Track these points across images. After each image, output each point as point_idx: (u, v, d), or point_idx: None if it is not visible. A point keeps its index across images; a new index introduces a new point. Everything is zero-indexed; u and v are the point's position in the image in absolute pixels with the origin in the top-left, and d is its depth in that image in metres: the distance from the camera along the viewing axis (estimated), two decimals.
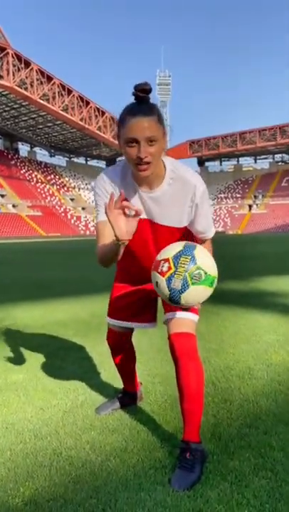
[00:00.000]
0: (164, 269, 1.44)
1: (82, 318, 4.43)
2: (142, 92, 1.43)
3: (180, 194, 1.60)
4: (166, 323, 1.77)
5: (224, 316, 4.34)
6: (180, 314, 1.72)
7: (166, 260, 1.45)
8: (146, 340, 3.41)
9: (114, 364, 2.17)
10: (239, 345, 3.28)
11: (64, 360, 3.00)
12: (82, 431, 1.94)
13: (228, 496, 1.45)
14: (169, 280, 1.43)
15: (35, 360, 3.00)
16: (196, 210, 1.63)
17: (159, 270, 1.45)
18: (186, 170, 1.62)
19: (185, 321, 1.72)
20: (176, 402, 2.21)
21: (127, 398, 2.21)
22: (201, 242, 1.79)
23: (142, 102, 1.45)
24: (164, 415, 2.08)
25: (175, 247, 1.48)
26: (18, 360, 3.02)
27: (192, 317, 1.74)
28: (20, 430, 1.96)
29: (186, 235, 1.74)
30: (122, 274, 1.99)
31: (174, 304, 1.49)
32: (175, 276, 1.42)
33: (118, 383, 2.51)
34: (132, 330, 2.04)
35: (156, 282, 1.47)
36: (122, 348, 2.09)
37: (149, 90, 1.44)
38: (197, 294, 1.45)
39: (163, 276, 1.44)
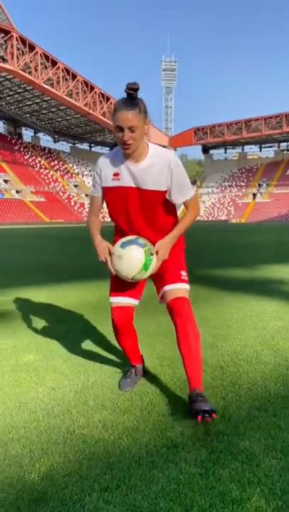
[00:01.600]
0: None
1: (89, 302, 4.46)
2: (130, 90, 1.89)
3: (158, 164, 2.01)
4: (163, 297, 2.15)
5: (230, 303, 4.36)
6: (175, 285, 2.12)
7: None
8: (154, 325, 3.44)
9: (119, 343, 2.32)
10: (246, 331, 3.30)
11: (73, 342, 3.03)
12: (94, 410, 1.97)
13: (239, 474, 1.48)
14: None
15: (44, 342, 3.04)
16: (172, 176, 2.02)
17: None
18: (163, 149, 2.08)
19: (180, 290, 2.12)
20: (186, 384, 2.25)
21: (138, 371, 2.36)
22: (186, 204, 2.14)
23: (130, 97, 1.90)
24: (174, 397, 2.11)
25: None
26: (28, 342, 3.05)
27: (185, 286, 2.15)
28: (33, 409, 1.99)
29: (167, 204, 2.10)
30: None
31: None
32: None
33: (128, 365, 2.54)
34: (133, 307, 2.25)
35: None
36: (126, 325, 2.23)
37: (136, 89, 1.90)
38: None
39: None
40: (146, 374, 2.42)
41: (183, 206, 2.18)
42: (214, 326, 3.44)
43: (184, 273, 2.18)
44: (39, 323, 3.61)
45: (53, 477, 1.47)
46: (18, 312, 4.04)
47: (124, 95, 1.91)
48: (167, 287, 2.12)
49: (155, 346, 2.91)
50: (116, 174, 2.05)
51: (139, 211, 2.09)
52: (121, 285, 2.20)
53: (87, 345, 2.97)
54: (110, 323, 3.52)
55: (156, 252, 2.03)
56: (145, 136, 1.99)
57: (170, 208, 2.14)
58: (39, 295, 4.90)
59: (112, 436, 1.74)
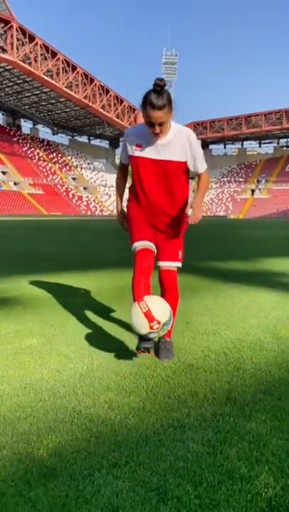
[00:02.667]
0: (155, 326, 2.12)
1: (89, 290, 4.46)
2: (158, 86, 2.12)
3: (179, 138, 2.34)
4: (159, 264, 2.54)
5: (232, 294, 4.37)
6: (171, 263, 2.53)
7: (159, 323, 2.12)
8: None
9: (134, 293, 2.37)
10: (248, 319, 3.31)
11: (77, 327, 3.03)
12: (100, 392, 1.98)
13: (247, 453, 1.49)
14: (151, 333, 2.14)
15: (47, 327, 3.04)
16: (191, 149, 2.36)
17: (151, 325, 2.12)
18: (182, 126, 2.39)
19: (174, 267, 2.55)
20: (191, 368, 2.26)
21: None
22: (199, 175, 2.50)
23: (158, 93, 2.13)
24: (179, 380, 2.12)
25: (165, 315, 2.18)
26: (30, 326, 3.05)
27: (178, 264, 2.56)
28: (39, 390, 1.99)
29: (183, 176, 2.45)
30: (134, 206, 2.53)
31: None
32: (156, 334, 2.17)
33: (132, 349, 2.55)
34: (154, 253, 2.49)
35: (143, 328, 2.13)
36: (148, 270, 2.41)
37: (164, 85, 2.13)
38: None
39: (151, 329, 2.12)
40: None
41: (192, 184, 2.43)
42: (216, 315, 3.45)
43: (180, 253, 2.56)
44: (42, 309, 3.60)
45: (62, 453, 1.48)
46: (20, 299, 4.04)
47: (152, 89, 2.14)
48: (164, 263, 2.53)
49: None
50: (139, 145, 2.38)
51: (158, 181, 2.41)
52: (143, 231, 2.48)
53: (91, 330, 2.97)
54: (112, 309, 3.53)
55: (193, 210, 2.41)
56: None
57: (185, 180, 2.48)
58: (41, 283, 4.89)
59: (118, 416, 1.75)
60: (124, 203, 2.68)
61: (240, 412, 1.79)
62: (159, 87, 2.11)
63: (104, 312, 3.51)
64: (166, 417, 1.74)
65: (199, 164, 2.43)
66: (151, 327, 2.10)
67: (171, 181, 2.41)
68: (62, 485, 1.31)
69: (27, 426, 1.66)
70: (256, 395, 1.96)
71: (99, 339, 2.76)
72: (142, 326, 2.11)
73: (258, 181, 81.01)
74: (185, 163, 2.39)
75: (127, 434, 1.61)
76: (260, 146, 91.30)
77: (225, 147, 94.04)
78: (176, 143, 2.33)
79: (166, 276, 2.53)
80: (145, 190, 2.43)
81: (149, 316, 2.10)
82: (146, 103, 2.14)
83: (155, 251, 2.49)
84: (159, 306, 2.17)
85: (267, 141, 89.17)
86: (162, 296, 2.51)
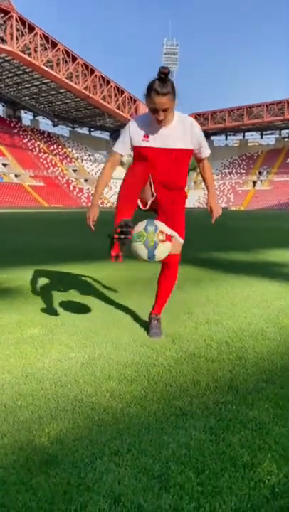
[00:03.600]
0: (139, 239, 2.20)
1: (91, 281, 4.45)
2: (163, 74, 2.19)
3: (183, 126, 2.42)
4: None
5: (233, 284, 4.35)
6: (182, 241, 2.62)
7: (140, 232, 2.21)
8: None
9: (122, 196, 2.30)
10: (250, 309, 3.29)
11: (78, 317, 3.02)
12: (101, 381, 1.97)
13: (249, 441, 1.48)
14: (145, 243, 2.20)
15: (49, 317, 3.03)
16: (196, 135, 2.45)
17: (137, 239, 2.20)
18: (184, 114, 2.46)
19: (179, 246, 2.63)
20: (192, 357, 2.25)
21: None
22: (202, 160, 2.62)
23: (162, 81, 2.20)
24: (181, 369, 2.11)
25: (141, 223, 2.25)
26: (32, 317, 3.04)
27: (182, 241, 2.64)
28: (40, 378, 1.99)
29: (187, 164, 2.50)
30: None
31: (151, 260, 2.26)
32: (148, 240, 2.21)
33: (134, 339, 2.54)
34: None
35: (136, 248, 2.23)
36: (140, 185, 2.37)
37: (168, 73, 2.20)
38: (164, 249, 2.26)
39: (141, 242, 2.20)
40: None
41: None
42: (218, 305, 3.43)
43: (177, 236, 2.62)
44: (43, 299, 3.59)
45: (63, 441, 1.47)
46: (21, 290, 4.03)
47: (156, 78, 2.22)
48: (176, 235, 2.58)
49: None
50: (146, 136, 2.41)
51: (163, 170, 2.45)
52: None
53: (92, 320, 2.96)
54: (115, 300, 3.52)
55: (212, 210, 2.65)
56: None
57: (186, 168, 2.55)
58: (42, 274, 4.88)
59: (120, 405, 1.74)
60: (98, 201, 2.53)
61: (242, 401, 1.78)
62: (163, 75, 2.20)
63: (106, 302, 3.50)
64: (168, 405, 1.73)
65: (205, 149, 2.55)
66: (161, 232, 2.25)
67: (174, 170, 2.46)
68: (63, 472, 1.30)
69: (28, 414, 1.66)
70: (258, 383, 1.95)
71: (100, 329, 2.75)
72: (160, 227, 2.28)
73: (260, 173, 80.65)
74: (190, 150, 2.47)
75: (128, 422, 1.60)
76: (261, 138, 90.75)
77: (226, 138, 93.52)
78: (181, 131, 2.41)
79: (170, 258, 2.51)
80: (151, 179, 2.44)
81: (168, 236, 2.30)
82: (151, 90, 2.22)
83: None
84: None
85: (268, 132, 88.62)
86: (162, 273, 2.70)
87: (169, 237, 2.28)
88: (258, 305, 3.44)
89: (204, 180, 2.72)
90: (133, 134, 2.42)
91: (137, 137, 2.41)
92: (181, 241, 2.63)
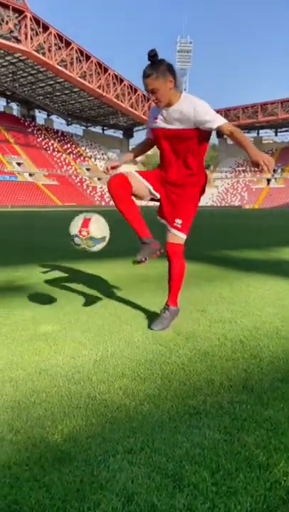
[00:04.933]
0: (83, 233, 2.50)
1: (104, 278, 4.45)
2: (149, 57, 2.34)
3: (186, 107, 2.44)
4: (165, 229, 2.71)
5: (247, 282, 4.30)
6: (175, 231, 2.66)
7: (88, 233, 2.50)
8: None
9: (122, 214, 2.53)
10: (265, 308, 3.25)
11: (91, 315, 3.02)
12: (114, 378, 1.96)
13: (265, 441, 1.45)
14: (76, 236, 2.54)
15: (62, 314, 3.03)
16: (197, 113, 2.42)
17: (81, 229, 2.51)
18: (194, 97, 2.47)
19: (174, 236, 2.67)
20: (206, 356, 2.23)
21: (150, 243, 2.50)
22: (221, 131, 2.47)
23: (150, 64, 2.35)
24: (195, 367, 2.08)
25: (98, 233, 2.55)
26: (45, 313, 3.05)
27: (175, 232, 2.66)
28: (54, 375, 1.98)
29: (194, 144, 2.54)
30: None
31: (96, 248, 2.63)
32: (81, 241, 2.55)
33: (147, 336, 2.53)
34: (130, 179, 2.53)
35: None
36: (127, 194, 2.52)
37: (154, 55, 2.33)
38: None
39: (80, 233, 2.51)
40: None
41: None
42: (232, 303, 3.40)
43: (179, 221, 2.64)
44: (56, 296, 3.60)
45: (76, 439, 1.46)
46: (35, 287, 4.05)
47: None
48: (166, 224, 2.70)
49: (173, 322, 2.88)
50: (156, 118, 2.58)
51: (169, 148, 2.58)
52: (145, 173, 2.66)
53: (105, 317, 2.95)
54: (127, 298, 3.52)
55: (257, 163, 2.33)
56: (173, 87, 2.41)
57: (198, 152, 2.58)
58: (56, 271, 4.90)
59: (133, 403, 1.73)
60: (125, 159, 2.97)
61: (257, 400, 1.75)
62: (149, 57, 2.35)
63: (119, 300, 3.49)
64: (181, 403, 1.72)
65: (214, 120, 2.43)
66: (80, 231, 2.48)
67: (181, 151, 2.56)
68: (76, 470, 1.29)
69: (42, 411, 1.66)
70: (274, 382, 1.91)
71: (113, 326, 2.75)
72: (74, 226, 2.51)
73: (274, 170, 79.73)
74: (192, 131, 2.48)
75: (142, 421, 1.59)
76: (276, 135, 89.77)
77: None
78: (183, 112, 2.45)
79: (168, 249, 2.68)
80: (162, 158, 2.67)
81: (85, 223, 2.49)
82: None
83: (138, 180, 2.57)
84: (99, 224, 2.53)
85: (283, 129, 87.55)
86: (168, 265, 2.74)
87: (85, 224, 2.50)
88: (272, 303, 3.39)
89: (239, 144, 2.48)
90: (149, 118, 2.68)
91: (151, 120, 2.64)
92: (174, 231, 2.65)
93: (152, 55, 2.33)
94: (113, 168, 2.91)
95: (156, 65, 2.35)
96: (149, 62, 2.36)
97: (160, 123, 2.55)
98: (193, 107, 2.42)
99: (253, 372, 2.03)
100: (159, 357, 2.22)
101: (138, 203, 2.65)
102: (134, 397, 1.78)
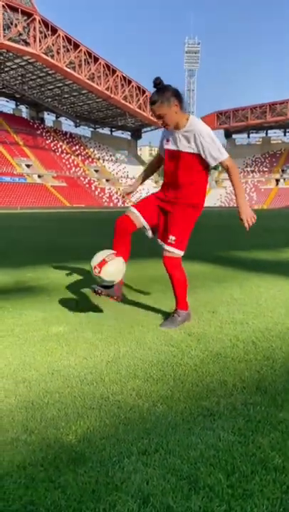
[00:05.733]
0: (96, 270, 2.66)
1: None
2: (154, 85, 2.53)
3: (190, 132, 2.59)
4: (161, 247, 2.82)
5: (258, 283, 4.27)
6: (164, 246, 2.78)
7: (99, 272, 2.65)
8: None
9: (114, 244, 2.79)
10: (276, 309, 3.23)
11: (102, 315, 3.02)
12: (127, 379, 1.96)
13: (280, 443, 1.44)
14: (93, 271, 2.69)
15: (74, 315, 3.04)
16: (200, 143, 2.57)
17: (95, 265, 2.67)
18: (198, 121, 2.62)
19: (167, 251, 2.77)
20: (219, 357, 2.22)
21: (116, 286, 2.77)
22: (224, 167, 2.66)
23: (155, 91, 2.53)
24: (207, 369, 2.07)
25: (109, 274, 2.68)
26: (57, 314, 3.06)
27: (168, 248, 2.76)
28: (66, 376, 1.99)
29: (198, 166, 2.67)
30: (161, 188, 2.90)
31: (108, 283, 2.73)
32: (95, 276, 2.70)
33: (158, 337, 2.53)
34: (137, 227, 2.78)
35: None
36: (125, 235, 2.77)
37: (158, 83, 2.52)
38: (104, 275, 2.66)
39: (94, 268, 2.68)
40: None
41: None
42: (243, 304, 3.38)
43: (172, 237, 2.74)
44: (67, 297, 3.62)
45: (90, 439, 1.46)
46: (46, 287, 4.07)
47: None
48: (161, 244, 2.82)
49: (182, 323, 2.87)
50: (167, 140, 2.73)
51: (175, 169, 2.71)
52: (143, 204, 2.83)
53: (116, 318, 2.96)
54: (137, 299, 3.53)
55: (242, 218, 2.69)
56: (179, 110, 2.56)
57: (197, 173, 2.69)
58: (66, 272, 4.92)
59: (146, 404, 1.72)
60: (137, 184, 3.19)
61: (271, 402, 1.73)
62: (155, 85, 2.53)
63: (130, 301, 3.49)
64: (195, 405, 1.71)
65: (214, 153, 2.58)
66: (94, 267, 2.66)
67: (180, 171, 2.68)
68: (91, 471, 1.29)
69: (55, 411, 1.66)
70: (287, 384, 1.90)
71: (125, 327, 2.75)
72: (94, 261, 2.69)
73: (283, 170, 79.36)
74: (193, 155, 2.62)
75: (155, 422, 1.58)
76: (285, 135, 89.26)
77: (248, 136, 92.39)
78: (188, 135, 2.60)
79: (164, 262, 2.80)
80: (165, 177, 2.82)
81: (101, 263, 2.64)
82: None
83: (137, 217, 2.77)
84: (113, 269, 2.66)
85: None
86: (169, 276, 2.84)
87: (101, 264, 2.65)
88: (284, 304, 3.37)
89: (231, 182, 2.74)
90: (162, 138, 2.81)
91: (163, 141, 2.79)
92: (169, 248, 2.75)
93: (157, 83, 2.51)
94: (128, 194, 3.23)
95: (161, 91, 2.51)
96: (155, 89, 2.54)
97: (169, 145, 2.70)
98: (197, 132, 2.57)
99: (266, 374, 2.02)
100: (171, 358, 2.22)
101: None
102: (147, 398, 1.77)
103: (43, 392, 1.83)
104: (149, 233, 2.86)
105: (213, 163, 2.62)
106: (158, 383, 1.91)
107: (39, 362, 2.17)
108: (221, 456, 1.37)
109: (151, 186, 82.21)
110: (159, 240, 2.85)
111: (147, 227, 2.81)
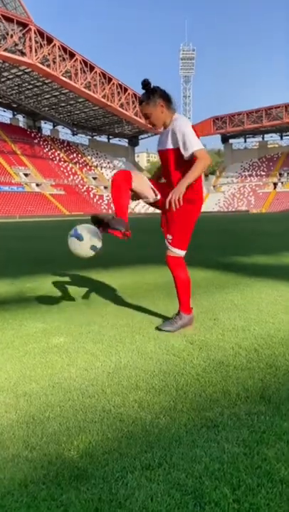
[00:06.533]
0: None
1: (113, 288, 4.43)
2: (142, 85, 2.64)
3: (172, 128, 2.67)
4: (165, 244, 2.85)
5: (259, 288, 4.25)
6: (168, 246, 2.82)
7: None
8: None
9: (112, 197, 2.71)
10: (278, 315, 3.21)
11: (102, 325, 3.00)
12: (129, 391, 1.93)
13: (286, 455, 1.41)
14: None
15: (74, 325, 3.02)
16: (176, 134, 2.62)
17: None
18: (180, 117, 2.72)
19: (168, 251, 2.81)
20: (221, 366, 2.19)
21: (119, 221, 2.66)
22: (194, 159, 2.60)
23: (144, 93, 2.66)
24: (210, 378, 2.05)
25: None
26: (57, 325, 3.04)
27: (175, 250, 2.80)
28: (67, 389, 1.96)
29: (182, 162, 2.68)
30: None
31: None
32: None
33: (159, 347, 2.50)
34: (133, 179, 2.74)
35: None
36: (125, 185, 2.68)
37: (146, 84, 2.64)
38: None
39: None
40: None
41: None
42: (245, 310, 3.36)
43: (170, 237, 2.78)
44: (67, 307, 3.59)
45: (93, 455, 1.44)
46: (45, 298, 4.05)
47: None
48: (168, 246, 2.82)
49: (185, 331, 2.85)
50: (159, 142, 2.82)
51: (167, 167, 2.78)
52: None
53: (117, 327, 2.93)
54: (137, 308, 3.51)
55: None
56: (166, 110, 2.67)
57: (183, 166, 2.67)
58: (65, 281, 4.90)
59: (149, 416, 1.70)
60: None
61: (275, 411, 1.71)
62: (142, 87, 2.64)
63: (130, 309, 3.47)
64: (198, 416, 1.68)
65: (187, 148, 2.59)
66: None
67: (170, 169, 2.75)
68: (94, 488, 1.27)
69: (56, 426, 1.63)
70: None
71: (125, 337, 2.72)
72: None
73: (280, 174, 79.52)
74: (175, 150, 2.67)
75: (158, 435, 1.56)
76: (281, 139, 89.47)
77: (245, 141, 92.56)
78: (171, 132, 2.67)
79: (166, 260, 2.85)
80: (162, 177, 2.93)
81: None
82: None
83: (137, 178, 2.75)
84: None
85: (288, 133, 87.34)
86: (172, 276, 2.87)
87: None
88: (286, 310, 3.35)
89: None
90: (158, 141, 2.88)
91: (158, 143, 2.87)
92: (168, 246, 2.80)
93: (145, 84, 2.64)
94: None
95: (148, 92, 2.65)
96: (144, 91, 2.66)
97: (160, 146, 2.80)
98: (174, 126, 2.65)
99: (269, 382, 1.99)
100: (173, 368, 2.20)
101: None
102: (150, 410, 1.75)
103: (43, 405, 1.80)
104: (157, 193, 2.82)
105: (186, 155, 2.61)
106: (160, 394, 1.89)
107: (40, 375, 2.15)
108: (226, 469, 1.34)
109: None
110: (167, 246, 2.86)
111: (154, 188, 2.82)
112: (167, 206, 2.53)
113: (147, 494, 1.23)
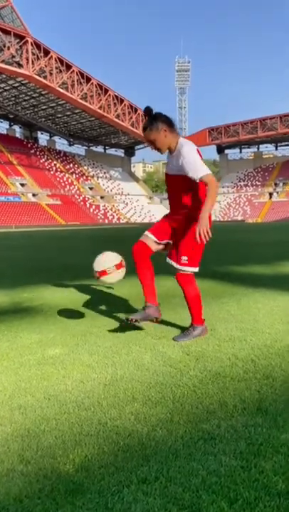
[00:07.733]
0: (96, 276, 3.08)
1: (111, 299, 4.42)
2: (144, 114, 2.76)
3: (178, 154, 2.75)
4: (171, 266, 2.94)
5: (255, 298, 4.26)
6: (177, 266, 2.90)
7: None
8: (179, 319, 3.37)
9: (139, 277, 2.96)
10: (275, 325, 3.20)
11: (98, 336, 2.98)
12: (125, 403, 1.92)
13: (283, 467, 1.40)
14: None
15: (69, 336, 3.00)
16: (183, 160, 2.68)
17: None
18: (184, 142, 2.78)
19: (179, 270, 2.90)
20: (218, 377, 2.18)
21: (152, 310, 2.92)
22: (203, 185, 2.71)
23: (147, 119, 2.75)
24: (206, 389, 2.04)
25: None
26: (52, 336, 3.02)
27: (180, 267, 2.89)
28: (63, 401, 1.95)
29: (189, 186, 2.78)
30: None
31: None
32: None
33: (156, 358, 2.49)
34: (153, 250, 2.96)
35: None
36: (145, 259, 2.93)
37: (149, 111, 2.74)
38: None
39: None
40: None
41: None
42: (241, 321, 3.35)
43: (184, 258, 2.86)
44: (63, 318, 3.58)
45: (89, 468, 1.42)
46: (42, 308, 4.03)
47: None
48: (174, 264, 2.92)
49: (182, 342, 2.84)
50: (167, 164, 2.92)
51: (175, 191, 2.89)
52: (157, 227, 3.01)
53: (113, 339, 2.92)
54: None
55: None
56: (169, 134, 2.74)
57: (192, 190, 2.80)
58: (62, 292, 4.88)
59: (145, 428, 1.68)
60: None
61: (272, 423, 1.70)
62: (145, 114, 2.75)
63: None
64: (195, 428, 1.67)
65: (194, 172, 2.64)
66: (95, 272, 3.09)
67: (177, 192, 2.86)
68: (90, 503, 1.25)
69: (52, 439, 1.62)
70: (288, 404, 1.87)
71: (122, 348, 2.71)
72: (96, 266, 3.10)
73: (276, 184, 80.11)
74: (182, 176, 2.73)
75: (155, 448, 1.54)
76: (276, 149, 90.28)
77: (241, 151, 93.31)
78: (176, 158, 2.76)
79: (177, 279, 2.95)
80: (168, 198, 3.00)
81: (102, 273, 3.04)
82: None
83: (153, 242, 2.94)
84: (112, 279, 3.09)
85: (283, 143, 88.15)
86: (183, 292, 2.98)
87: (102, 274, 3.02)
88: (282, 320, 3.35)
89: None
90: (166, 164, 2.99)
91: (166, 166, 2.98)
92: (182, 268, 2.87)
93: (147, 112, 2.73)
94: None
95: (150, 119, 2.72)
96: (146, 118, 2.76)
97: (167, 169, 2.90)
98: (181, 153, 2.71)
99: (266, 394, 1.99)
100: (170, 379, 2.18)
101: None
102: (146, 422, 1.74)
103: (39, 418, 1.79)
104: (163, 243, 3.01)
105: (197, 178, 2.67)
106: (157, 406, 1.88)
107: (35, 387, 2.13)
108: (224, 482, 1.33)
109: (146, 202, 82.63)
110: (169, 260, 2.94)
111: (163, 248, 3.01)
112: (198, 240, 2.56)
113: (144, 509, 1.22)
